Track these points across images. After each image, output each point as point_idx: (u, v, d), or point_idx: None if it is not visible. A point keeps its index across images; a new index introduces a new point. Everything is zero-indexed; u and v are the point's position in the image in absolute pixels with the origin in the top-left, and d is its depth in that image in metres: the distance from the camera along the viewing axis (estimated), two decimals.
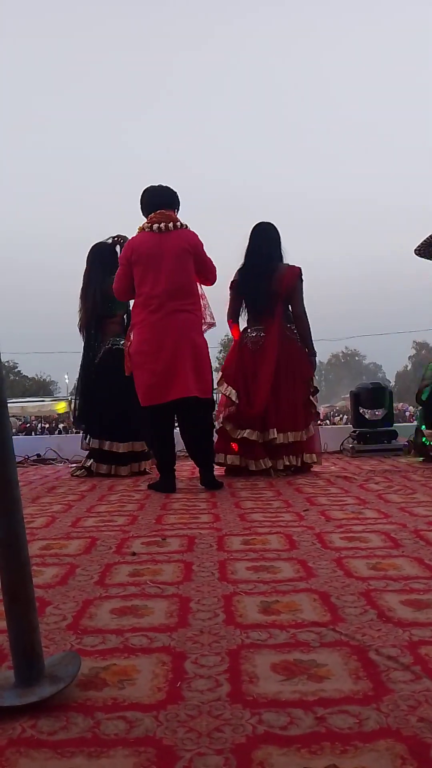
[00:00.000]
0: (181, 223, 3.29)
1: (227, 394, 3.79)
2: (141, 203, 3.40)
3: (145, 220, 3.32)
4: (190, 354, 3.17)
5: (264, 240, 3.83)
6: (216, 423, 3.81)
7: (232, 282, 3.90)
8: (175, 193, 3.41)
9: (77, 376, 4.27)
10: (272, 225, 3.89)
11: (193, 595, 1.42)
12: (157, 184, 3.40)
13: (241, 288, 3.85)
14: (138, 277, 3.23)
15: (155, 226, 3.23)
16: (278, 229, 3.88)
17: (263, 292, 3.74)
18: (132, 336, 3.31)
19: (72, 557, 1.83)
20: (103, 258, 4.11)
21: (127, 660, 1.07)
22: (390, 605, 1.31)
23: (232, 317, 3.92)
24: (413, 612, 1.26)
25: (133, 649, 1.11)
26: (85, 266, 4.14)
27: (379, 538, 1.94)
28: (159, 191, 3.38)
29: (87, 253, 4.16)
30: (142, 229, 3.30)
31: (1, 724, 0.87)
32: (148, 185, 3.41)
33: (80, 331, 4.16)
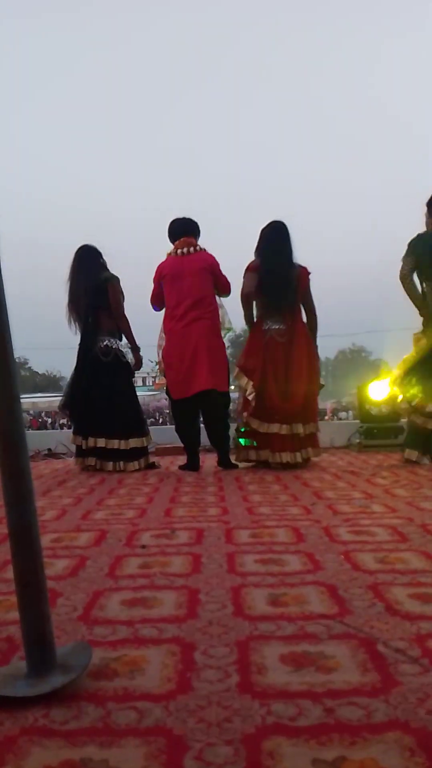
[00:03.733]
0: (200, 247, 3.99)
1: (246, 391, 3.86)
2: (168, 232, 4.06)
3: (172, 246, 4.01)
4: (207, 355, 3.80)
5: (282, 239, 3.94)
6: (237, 421, 4.03)
7: (250, 265, 3.93)
8: (196, 223, 4.09)
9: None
10: (285, 224, 4.00)
11: (202, 586, 1.43)
12: (181, 217, 4.07)
13: (262, 279, 3.88)
14: (166, 293, 3.97)
15: (179, 251, 3.96)
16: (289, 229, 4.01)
17: (287, 289, 3.86)
18: (163, 341, 4.03)
19: (82, 549, 1.84)
20: (92, 255, 4.17)
21: (137, 650, 1.08)
22: (397, 598, 1.31)
23: (249, 294, 3.96)
24: (421, 605, 1.27)
25: (143, 640, 1.12)
26: (72, 263, 4.17)
27: (386, 532, 1.95)
28: (182, 222, 4.05)
29: (74, 253, 4.20)
30: (169, 254, 4.01)
31: (13, 714, 0.88)
32: (174, 218, 4.08)
33: (70, 322, 4.17)
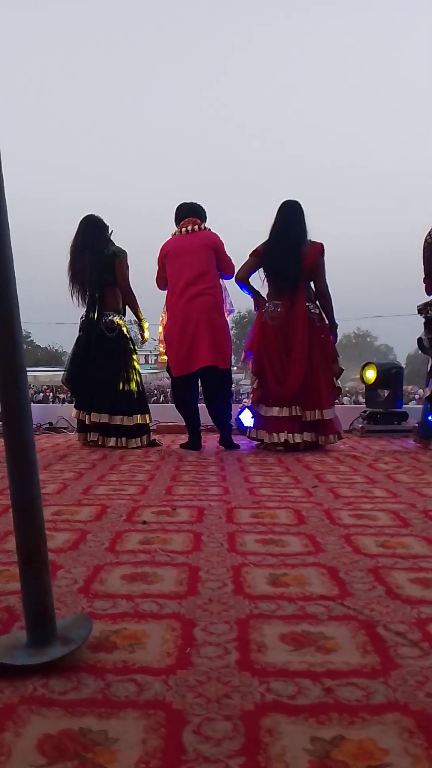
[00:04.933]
0: (204, 226, 3.98)
1: (252, 381, 3.98)
2: (174, 215, 4.07)
3: (176, 228, 4.01)
4: (208, 331, 3.75)
5: (290, 217, 3.88)
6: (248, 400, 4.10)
7: (254, 250, 3.92)
8: (202, 207, 4.11)
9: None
10: (298, 203, 3.94)
11: (203, 564, 1.43)
12: (189, 201, 4.11)
13: (265, 261, 3.88)
14: (168, 270, 3.94)
15: (183, 229, 3.95)
16: (303, 208, 3.92)
17: (288, 267, 3.79)
18: (164, 319, 4.00)
19: (83, 524, 1.85)
20: (96, 228, 4.11)
21: (137, 625, 1.08)
22: (398, 582, 1.31)
23: (242, 278, 3.95)
24: (422, 590, 1.27)
25: (143, 615, 1.13)
26: (75, 235, 4.12)
27: (388, 517, 1.95)
28: (188, 205, 4.08)
29: (78, 224, 4.15)
30: (173, 234, 4.00)
31: (13, 683, 0.89)
32: (181, 202, 4.11)
33: (74, 297, 4.13)
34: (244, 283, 3.96)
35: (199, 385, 4.04)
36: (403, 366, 5.59)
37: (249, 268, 3.93)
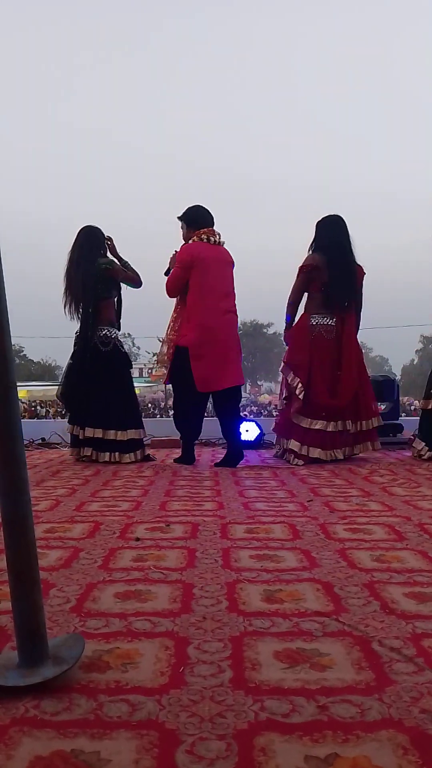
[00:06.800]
0: (222, 240, 3.86)
1: (293, 385, 3.88)
2: (190, 217, 3.84)
3: (186, 229, 3.82)
4: (236, 351, 3.79)
5: (344, 234, 3.93)
6: (275, 411, 4.11)
7: (304, 265, 3.92)
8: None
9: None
10: (342, 219, 3.98)
11: (197, 581, 1.42)
12: (203, 206, 3.89)
13: (324, 275, 3.86)
14: (196, 279, 3.68)
15: (212, 239, 3.78)
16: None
17: (348, 286, 3.87)
18: (187, 330, 3.70)
19: (76, 541, 1.83)
20: (94, 240, 4.10)
21: (130, 644, 1.07)
22: (393, 597, 1.31)
23: (297, 301, 3.99)
24: (417, 604, 1.26)
25: (136, 633, 1.12)
26: (73, 246, 4.09)
27: (383, 531, 1.94)
28: (206, 212, 3.88)
29: (76, 234, 4.14)
30: (199, 239, 3.76)
31: (4, 704, 0.87)
32: (195, 204, 3.90)
33: (68, 310, 4.08)
34: (296, 306, 3.98)
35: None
36: (398, 377, 5.61)
37: (300, 288, 3.94)
